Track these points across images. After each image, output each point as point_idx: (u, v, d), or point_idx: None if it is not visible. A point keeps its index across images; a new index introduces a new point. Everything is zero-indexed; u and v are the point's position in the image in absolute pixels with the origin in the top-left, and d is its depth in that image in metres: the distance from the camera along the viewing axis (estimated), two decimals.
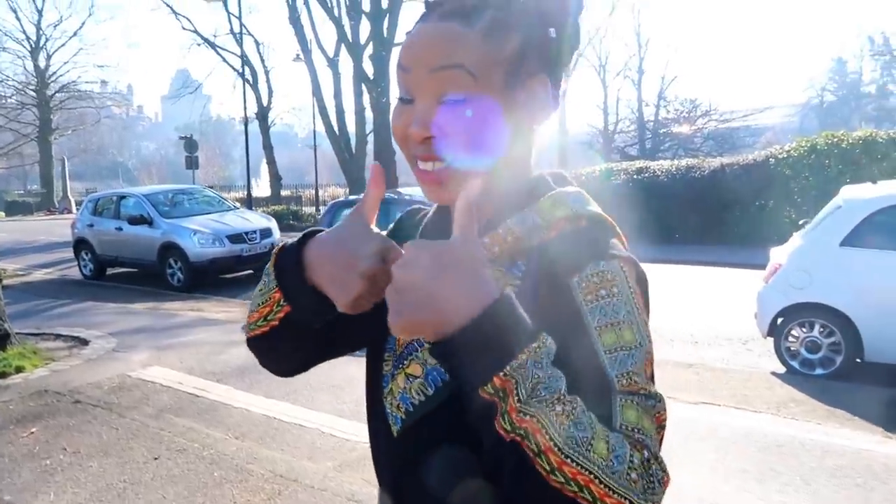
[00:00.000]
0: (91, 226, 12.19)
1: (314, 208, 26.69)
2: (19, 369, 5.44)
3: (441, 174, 0.77)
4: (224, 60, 29.08)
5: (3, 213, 39.71)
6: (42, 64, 39.82)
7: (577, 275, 0.72)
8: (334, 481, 3.48)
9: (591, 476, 0.60)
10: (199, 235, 10.73)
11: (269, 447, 3.94)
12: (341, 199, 10.06)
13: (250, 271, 11.36)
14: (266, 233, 11.53)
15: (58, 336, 6.79)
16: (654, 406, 0.69)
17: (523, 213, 0.78)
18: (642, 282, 0.75)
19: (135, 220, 11.31)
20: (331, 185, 39.20)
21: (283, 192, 32.90)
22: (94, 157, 61.73)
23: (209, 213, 11.78)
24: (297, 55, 27.78)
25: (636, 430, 0.66)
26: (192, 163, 24.79)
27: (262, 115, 29.50)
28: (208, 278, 10.75)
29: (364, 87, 24.50)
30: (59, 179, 40.99)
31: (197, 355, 5.97)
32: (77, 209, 34.49)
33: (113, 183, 59.70)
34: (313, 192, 33.81)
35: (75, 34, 41.17)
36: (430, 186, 0.79)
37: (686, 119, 38.05)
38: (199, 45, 29.11)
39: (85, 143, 51.11)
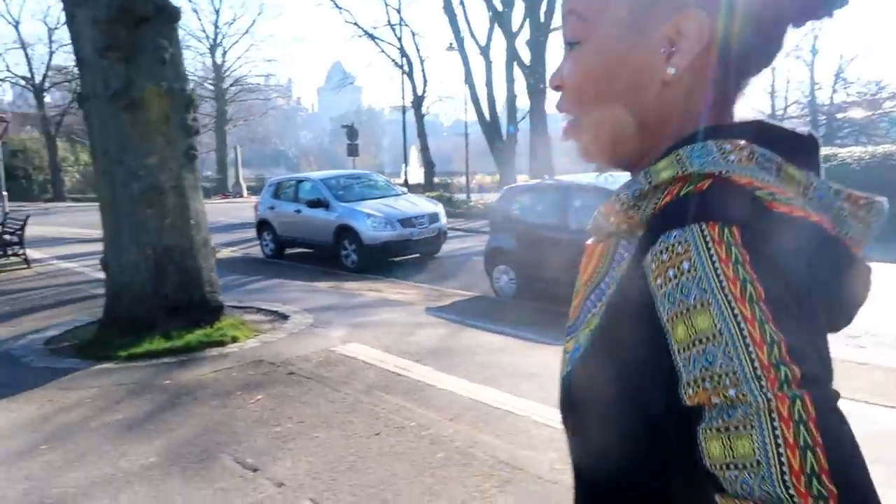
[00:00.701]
0: (272, 208, 12.98)
1: (465, 195, 26.90)
2: (234, 339, 5.81)
3: (569, 129, 0.72)
4: (382, 51, 30.04)
5: None
6: (219, 60, 43.36)
7: (651, 253, 0.58)
8: (564, 474, 3.32)
9: None
10: (372, 219, 11.07)
11: (483, 432, 3.86)
12: (517, 184, 9.92)
13: (418, 255, 11.59)
14: (434, 217, 11.70)
15: (258, 310, 7.22)
16: (753, 412, 0.49)
17: (637, 176, 0.65)
18: (766, 252, 0.54)
19: (313, 203, 11.88)
20: (478, 173, 39.40)
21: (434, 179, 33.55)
22: (259, 145, 66.58)
23: (380, 198, 12.14)
24: (451, 44, 28.04)
25: (727, 468, 0.50)
26: (353, 150, 25.87)
27: (417, 103, 30.20)
28: (379, 260, 11.07)
29: (515, 75, 24.27)
30: (233, 166, 44.49)
31: (390, 335, 6.08)
32: (247, 194, 37.47)
33: (276, 170, 63.99)
34: (461, 179, 34.17)
35: (247, 31, 44.42)
36: (572, 143, 0.72)
37: (869, 103, 34.19)
38: (359, 36, 30.24)
39: (253, 132, 55.21)
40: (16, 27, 55.37)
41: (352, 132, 26.17)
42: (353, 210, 11.37)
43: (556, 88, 0.72)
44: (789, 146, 0.63)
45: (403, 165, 31.00)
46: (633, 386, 0.59)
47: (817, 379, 0.50)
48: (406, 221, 11.22)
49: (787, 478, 0.47)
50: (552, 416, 4.06)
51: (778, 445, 0.48)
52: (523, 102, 25.96)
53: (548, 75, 19.53)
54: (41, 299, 8.45)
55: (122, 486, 3.36)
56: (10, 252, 11.50)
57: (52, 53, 43.05)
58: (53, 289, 9.21)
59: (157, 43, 5.78)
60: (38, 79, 41.74)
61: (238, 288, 9.07)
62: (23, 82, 42.41)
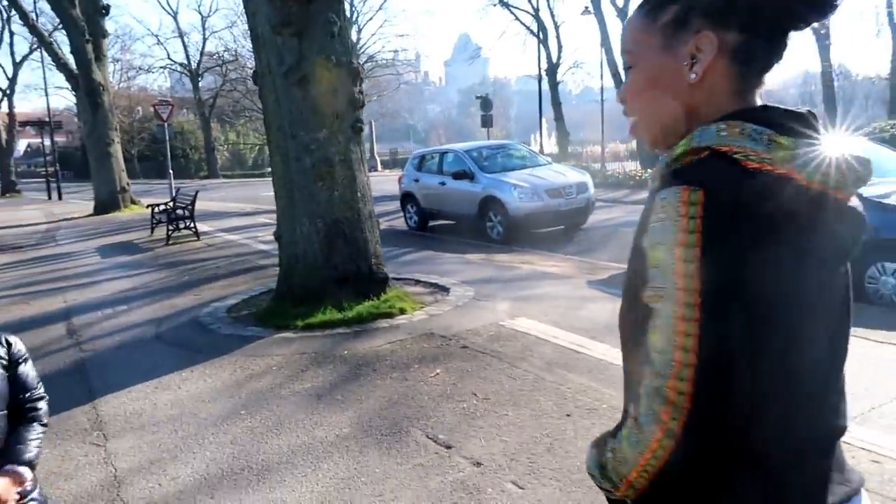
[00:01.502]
0: (416, 181, 13.08)
1: (599, 164, 25.97)
2: (402, 311, 5.84)
3: (633, 128, 1.04)
4: (516, 19, 29.42)
5: None
6: (354, 37, 44.53)
7: (654, 201, 0.87)
8: None
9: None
10: (518, 190, 10.84)
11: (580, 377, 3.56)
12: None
13: (563, 226, 11.24)
14: (582, 187, 11.28)
15: (417, 282, 7.25)
16: (662, 326, 0.82)
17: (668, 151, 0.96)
18: (720, 212, 0.81)
19: (457, 175, 11.82)
20: (611, 141, 37.92)
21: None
22: (389, 120, 68.18)
23: (525, 168, 11.86)
24: (586, 8, 26.92)
25: (649, 352, 0.84)
26: (487, 121, 25.69)
27: (551, 71, 29.40)
28: (525, 232, 10.85)
29: None
30: (367, 141, 45.83)
31: (556, 309, 5.86)
32: (381, 168, 38.48)
33: (405, 144, 65.39)
34: (592, 147, 33.03)
35: (381, 7, 45.12)
36: (637, 137, 1.05)
37: None
38: (493, 5, 29.79)
39: (384, 108, 56.53)
40: (174, 17, 60.14)
41: (486, 103, 25.98)
42: (499, 181, 11.18)
43: (622, 101, 1.02)
44: (785, 120, 0.89)
45: (533, 135, 30.43)
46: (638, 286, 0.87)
47: (714, 306, 0.80)
48: (553, 192, 10.89)
49: (671, 364, 0.81)
50: None
51: (674, 345, 0.81)
52: None
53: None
54: (215, 269, 9.02)
55: (322, 456, 3.40)
56: (181, 226, 12.43)
57: (205, 40, 46.27)
58: (224, 259, 9.82)
59: (327, 17, 5.82)
60: (193, 65, 44.93)
61: (392, 260, 9.18)
62: (181, 69, 45.82)
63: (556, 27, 29.80)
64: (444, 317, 5.75)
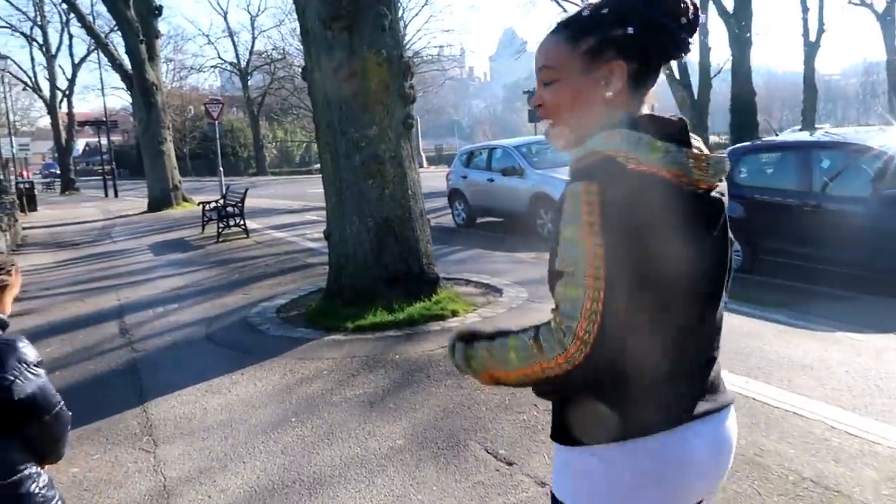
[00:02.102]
0: (464, 177, 12.88)
1: None
2: (454, 313, 5.64)
3: (550, 132, 1.28)
4: (564, 11, 28.86)
5: None
6: (400, 33, 44.52)
7: (564, 192, 1.15)
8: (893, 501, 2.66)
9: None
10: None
11: (769, 438, 3.26)
12: (742, 144, 8.83)
13: None
14: None
15: (468, 282, 7.04)
16: (573, 283, 1.10)
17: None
18: (611, 204, 1.09)
19: (506, 171, 11.56)
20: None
21: None
22: (434, 116, 68.09)
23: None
24: None
25: (560, 301, 1.14)
26: (533, 116, 25.27)
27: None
28: None
29: (709, 25, 22.09)
30: (414, 138, 45.84)
31: None
32: (426, 164, 38.39)
33: (450, 140, 65.12)
34: None
35: (427, 3, 45.02)
36: (549, 138, 1.30)
37: None
38: None
39: (429, 103, 56.46)
40: (224, 17, 61.11)
41: (532, 98, 25.54)
42: (550, 177, 10.87)
43: (538, 107, 1.28)
44: (662, 128, 1.17)
45: None
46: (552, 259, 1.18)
47: (611, 271, 1.08)
48: None
49: (582, 311, 1.09)
50: (854, 423, 3.36)
51: (586, 296, 1.08)
52: (717, 56, 23.67)
53: (754, 22, 17.33)
54: (264, 267, 9.00)
55: (376, 470, 3.23)
56: (231, 223, 12.51)
57: (254, 39, 46.88)
58: (272, 257, 9.80)
59: (378, 10, 5.65)
60: (242, 63, 45.65)
61: (441, 259, 8.98)
62: (230, 68, 46.62)
63: None
64: (498, 320, 5.52)
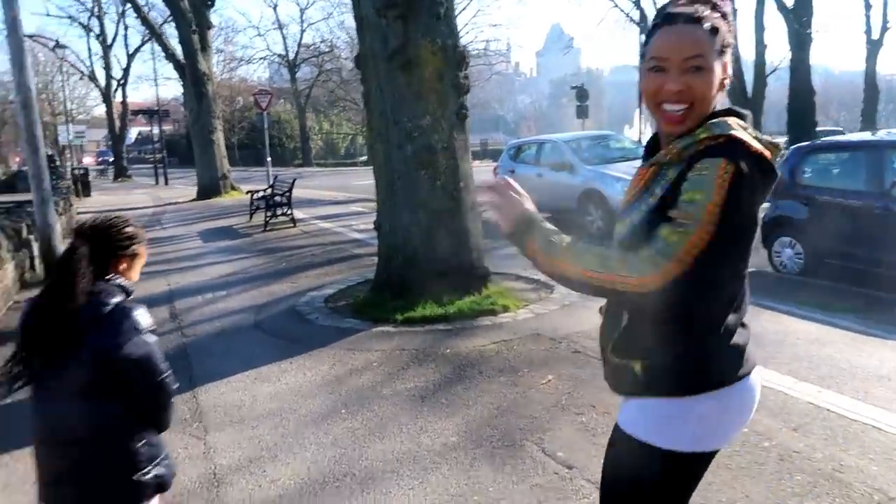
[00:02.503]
0: (512, 171, 12.66)
1: None
2: (505, 308, 5.51)
3: (684, 115, 1.40)
4: (616, 6, 28.34)
5: None
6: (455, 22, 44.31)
7: (696, 165, 1.32)
8: None
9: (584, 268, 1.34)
10: (623, 183, 10.22)
11: (848, 452, 3.05)
12: (808, 143, 8.42)
13: None
14: None
15: (518, 277, 6.90)
16: (684, 231, 1.27)
17: (686, 136, 1.39)
18: (740, 179, 1.28)
19: (556, 167, 11.34)
20: None
21: None
22: (479, 111, 67.90)
23: (629, 160, 11.23)
24: None
25: (657, 240, 1.29)
26: (582, 112, 24.90)
27: None
28: None
29: (765, 22, 21.34)
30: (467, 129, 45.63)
31: None
32: (471, 159, 38.25)
33: (495, 135, 64.83)
34: None
35: None
36: (674, 124, 1.41)
37: None
38: None
39: (474, 98, 56.18)
40: (274, 9, 61.89)
41: (582, 93, 25.18)
42: (601, 173, 10.62)
43: (679, 92, 1.38)
44: (744, 117, 1.42)
45: (627, 126, 29.25)
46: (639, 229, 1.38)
47: (716, 241, 1.29)
48: None
49: (671, 257, 1.27)
50: None
51: (686, 245, 1.27)
52: (773, 55, 22.96)
53: (814, 20, 16.73)
54: (311, 257, 9.00)
55: (430, 467, 3.13)
56: (279, 212, 12.59)
57: (302, 31, 47.32)
58: (319, 247, 9.81)
59: None
60: (291, 56, 46.14)
61: (489, 253, 8.84)
62: (279, 59, 47.15)
63: None
64: (550, 317, 5.37)
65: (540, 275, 6.88)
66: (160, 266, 9.01)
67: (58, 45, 29.47)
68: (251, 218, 13.53)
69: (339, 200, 18.01)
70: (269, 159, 21.83)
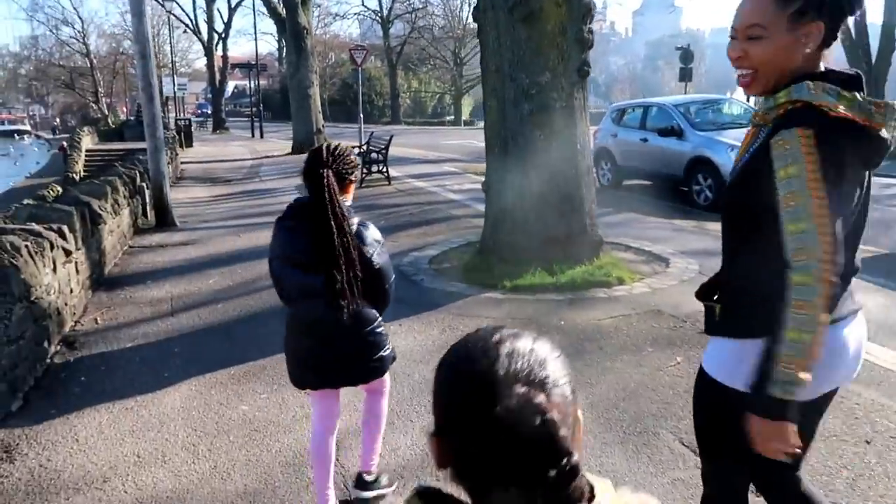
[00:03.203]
0: (614, 135, 12.10)
1: None
2: (620, 280, 5.21)
3: (749, 80, 1.48)
4: None
5: None
6: None
7: (774, 138, 1.39)
8: None
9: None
10: (735, 151, 9.51)
11: None
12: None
13: None
14: None
15: (628, 248, 6.55)
16: (802, 223, 1.33)
17: (769, 98, 1.47)
18: (824, 145, 1.33)
19: (663, 132, 10.70)
20: None
21: None
22: None
23: (743, 127, 10.48)
24: None
25: (790, 237, 1.35)
26: (686, 74, 23.60)
27: None
28: None
29: None
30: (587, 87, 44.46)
31: None
32: None
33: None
34: None
35: None
36: (744, 87, 1.51)
37: None
38: None
39: None
40: None
41: (686, 55, 23.82)
42: (713, 140, 9.95)
43: (738, 59, 1.48)
44: (845, 81, 1.41)
45: (729, 92, 27.57)
46: (748, 195, 1.50)
47: (830, 199, 1.33)
48: None
49: (815, 247, 1.33)
50: None
51: (818, 230, 1.33)
52: None
53: None
54: (408, 216, 8.90)
55: None
56: (374, 170, 12.57)
57: None
58: (416, 206, 9.70)
59: None
60: (384, 12, 45.98)
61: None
62: (373, 15, 47.10)
63: None
64: (669, 292, 5.03)
65: (652, 246, 6.56)
66: (261, 218, 9.15)
67: None
68: None
69: (430, 159, 17.87)
70: (361, 116, 21.91)
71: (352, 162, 2.27)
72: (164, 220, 8.64)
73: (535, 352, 0.76)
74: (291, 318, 2.44)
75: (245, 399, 3.54)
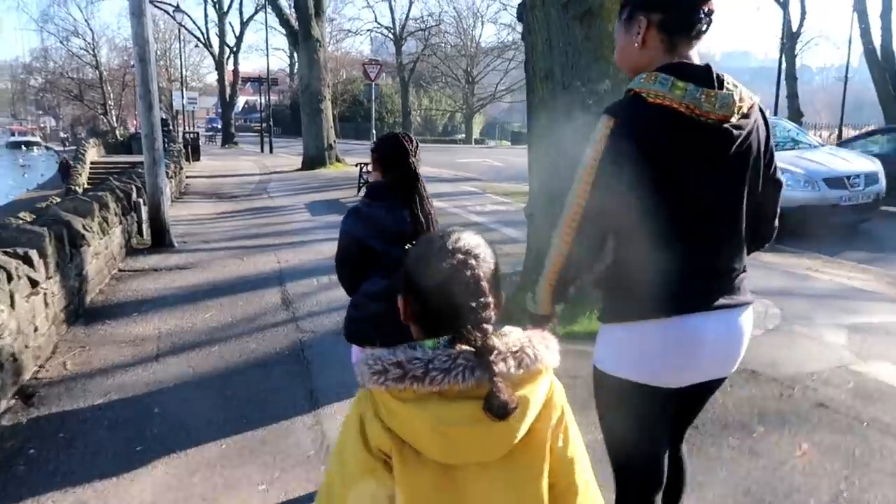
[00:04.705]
0: None
1: None
2: None
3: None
4: None
5: (509, 143, 44.97)
6: None
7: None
8: None
9: None
10: (788, 175, 8.72)
11: None
12: None
13: (841, 225, 8.97)
14: (871, 178, 8.90)
15: None
16: (571, 194, 1.53)
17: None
18: (623, 134, 1.50)
19: None
20: (865, 124, 32.25)
21: None
22: None
23: (792, 150, 9.66)
24: None
25: (564, 206, 1.58)
26: None
27: (791, 41, 25.53)
28: (787, 227, 8.76)
29: None
30: None
31: None
32: None
33: None
34: (821, 132, 28.43)
35: None
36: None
37: None
38: None
39: None
40: None
41: None
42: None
43: (619, 67, 1.69)
44: (688, 72, 1.48)
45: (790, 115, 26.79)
46: None
47: (602, 194, 1.51)
48: (834, 181, 8.65)
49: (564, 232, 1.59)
50: None
51: (567, 211, 1.59)
52: None
53: None
54: None
55: None
56: None
57: (411, 4, 46.54)
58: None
59: None
60: (397, 28, 45.59)
61: None
62: (386, 31, 46.72)
63: None
64: (757, 344, 4.15)
65: None
66: (268, 239, 8.36)
67: (177, 10, 30.01)
68: (360, 191, 12.81)
69: (446, 178, 17.11)
70: (374, 132, 21.20)
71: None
72: (161, 239, 7.84)
73: (473, 239, 1.10)
74: (390, 287, 2.30)
75: (238, 491, 2.68)
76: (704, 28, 1.53)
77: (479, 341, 1.00)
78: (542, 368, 1.06)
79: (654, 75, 1.47)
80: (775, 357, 3.92)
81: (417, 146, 2.56)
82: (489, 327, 1.05)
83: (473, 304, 1.03)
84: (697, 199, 1.48)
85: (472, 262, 1.05)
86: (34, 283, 4.14)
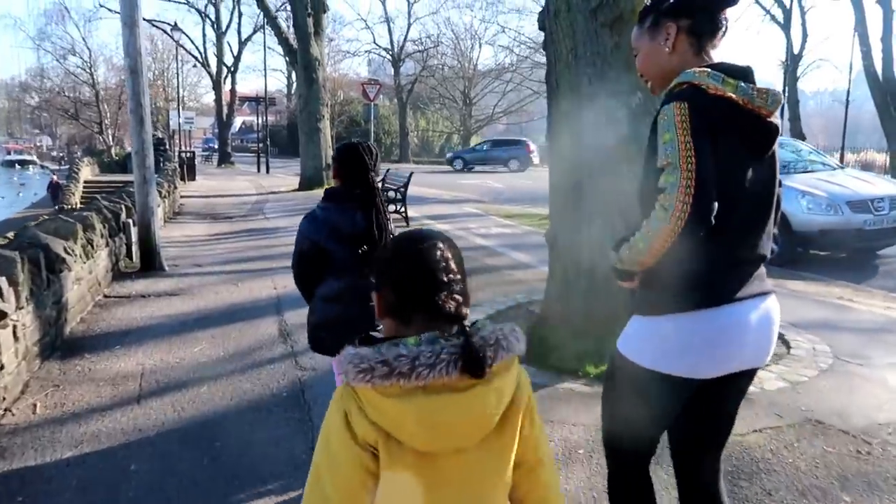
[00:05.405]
0: None
1: None
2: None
3: (647, 83, 1.83)
4: (757, 2, 25.72)
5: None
6: None
7: (659, 112, 1.60)
8: None
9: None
10: (809, 198, 8.34)
11: None
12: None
13: (863, 250, 8.58)
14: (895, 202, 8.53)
15: None
16: (671, 176, 1.52)
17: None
18: (696, 116, 1.52)
19: None
20: (861, 148, 32.15)
21: None
22: None
23: (813, 172, 9.30)
24: None
25: (662, 188, 1.53)
26: None
27: (793, 63, 25.41)
28: (808, 253, 8.39)
29: None
30: None
31: None
32: None
33: None
34: (829, 155, 28.28)
35: None
36: (651, 91, 1.84)
37: None
38: None
39: None
40: (383, 3, 61.54)
41: None
42: (784, 186, 8.72)
43: (640, 74, 1.85)
44: (734, 71, 1.59)
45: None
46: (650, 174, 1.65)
47: (699, 163, 1.51)
48: (857, 205, 8.26)
49: (675, 192, 1.51)
50: None
51: (681, 179, 1.51)
52: None
53: None
54: None
55: None
56: (391, 209, 11.35)
57: (409, 26, 46.62)
58: None
59: None
60: (396, 50, 45.58)
61: None
62: (384, 53, 46.72)
63: (803, 12, 25.62)
64: (816, 389, 3.70)
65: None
66: (264, 263, 7.91)
67: (175, 28, 29.81)
68: None
69: (447, 199, 16.72)
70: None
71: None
72: (151, 262, 7.37)
73: (439, 232, 1.20)
74: (343, 289, 2.50)
75: None
76: (725, 31, 1.70)
77: (454, 310, 1.11)
78: (514, 357, 1.13)
79: (706, 71, 1.59)
80: (839, 405, 3.46)
81: (377, 156, 2.60)
82: (461, 298, 1.13)
83: (445, 279, 1.11)
84: (747, 189, 1.57)
85: (441, 244, 1.15)
86: (2, 315, 3.68)
